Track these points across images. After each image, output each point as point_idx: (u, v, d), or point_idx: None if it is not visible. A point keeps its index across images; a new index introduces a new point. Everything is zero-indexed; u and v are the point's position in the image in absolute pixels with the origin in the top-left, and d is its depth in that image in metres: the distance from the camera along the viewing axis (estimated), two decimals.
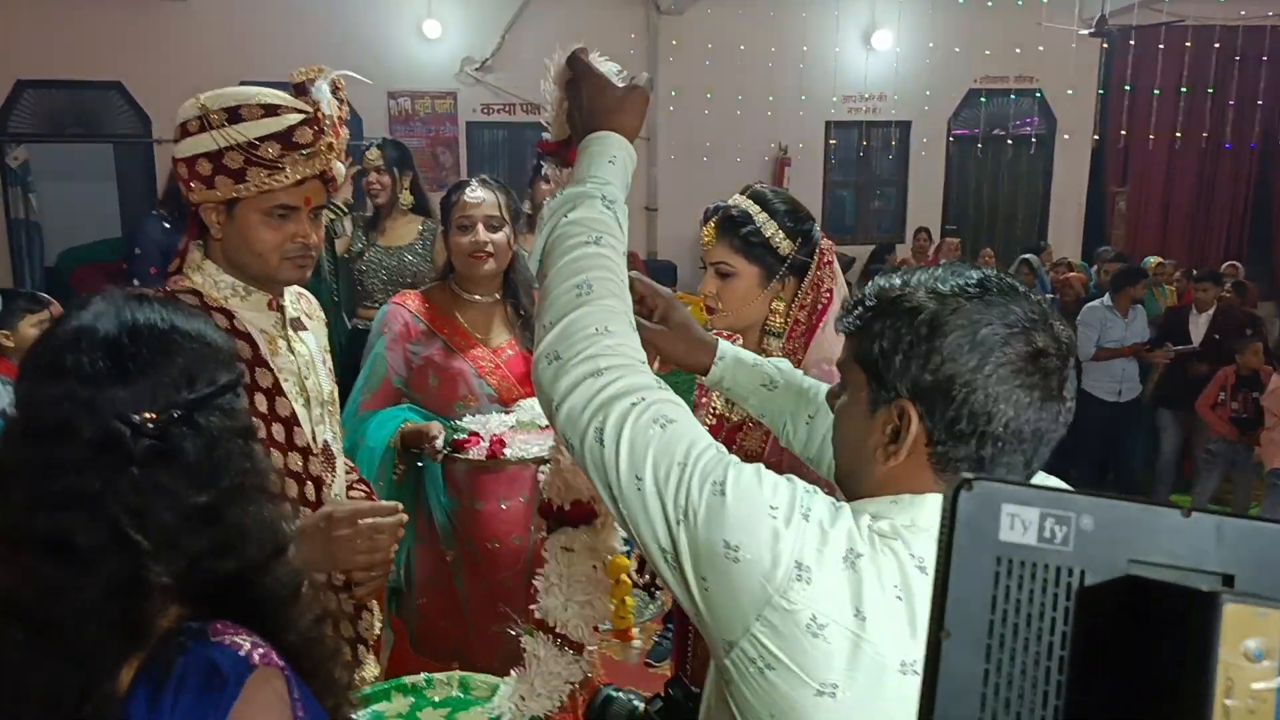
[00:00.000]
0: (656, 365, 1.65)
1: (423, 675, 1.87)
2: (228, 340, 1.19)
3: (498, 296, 2.81)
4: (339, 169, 1.84)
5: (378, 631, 2.00)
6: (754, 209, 2.17)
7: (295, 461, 1.85)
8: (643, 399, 1.19)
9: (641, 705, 1.69)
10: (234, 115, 1.71)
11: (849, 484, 1.24)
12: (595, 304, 1.26)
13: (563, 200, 1.37)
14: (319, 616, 1.20)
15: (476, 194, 2.74)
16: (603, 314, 1.25)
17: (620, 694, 1.70)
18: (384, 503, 1.74)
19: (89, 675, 1.02)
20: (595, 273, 1.28)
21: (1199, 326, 7.26)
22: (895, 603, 1.06)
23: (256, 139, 1.71)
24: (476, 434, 2.45)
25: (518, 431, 2.48)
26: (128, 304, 1.12)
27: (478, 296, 2.79)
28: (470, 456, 2.46)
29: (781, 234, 2.13)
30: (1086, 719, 0.54)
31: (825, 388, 1.53)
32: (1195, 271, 8.48)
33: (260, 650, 1.07)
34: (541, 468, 2.04)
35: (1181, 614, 0.51)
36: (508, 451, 2.34)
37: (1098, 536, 0.55)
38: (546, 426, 2.41)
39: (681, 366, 1.72)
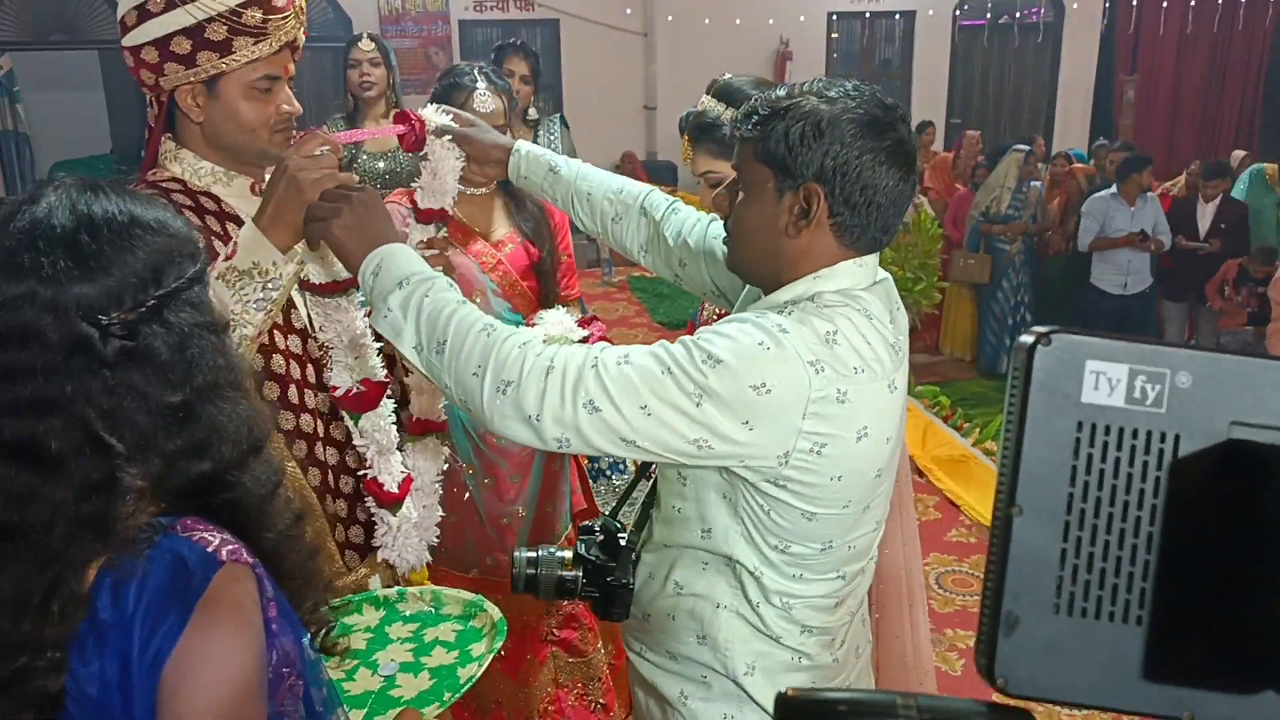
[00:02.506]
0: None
1: (395, 589, 1.83)
2: (189, 227, 1.13)
3: (494, 186, 2.71)
4: (300, 37, 1.77)
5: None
6: (719, 107, 2.10)
7: (295, 344, 1.80)
8: (593, 356, 1.38)
9: (569, 572, 1.67)
10: None
11: (759, 266, 1.51)
12: (503, 334, 1.42)
13: (403, 303, 1.47)
14: (297, 515, 1.17)
15: (487, 103, 2.56)
16: (514, 337, 1.42)
17: (541, 554, 1.68)
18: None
19: (56, 576, 0.99)
20: (483, 318, 1.44)
21: (1206, 215, 7.15)
22: (867, 347, 1.40)
23: (238, 6, 1.63)
24: None
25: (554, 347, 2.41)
26: (82, 194, 1.06)
27: (473, 190, 2.68)
28: None
29: None
30: (1177, 603, 0.47)
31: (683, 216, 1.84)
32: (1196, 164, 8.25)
33: (230, 547, 1.04)
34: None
35: None
36: None
37: (1195, 396, 0.48)
38: (580, 340, 2.34)
39: (487, 161, 1.92)
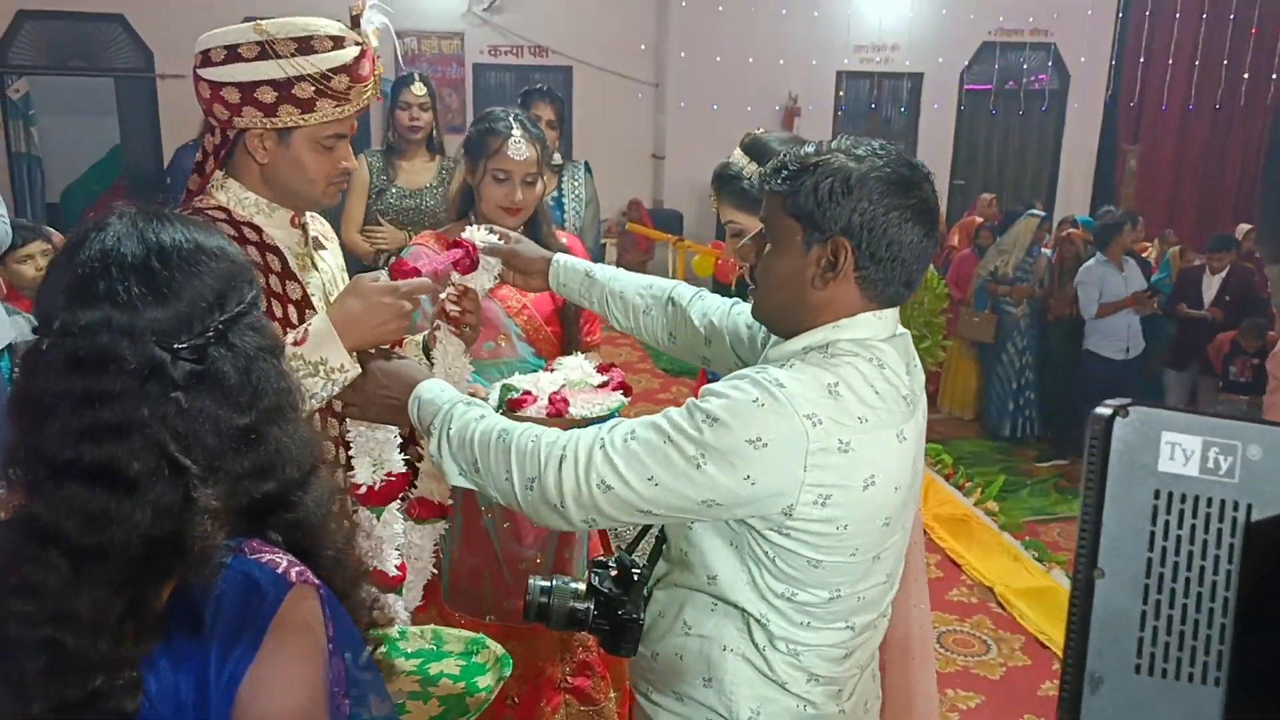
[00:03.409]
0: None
1: (397, 628, 1.84)
2: (243, 253, 1.18)
3: (521, 232, 2.74)
4: (374, 102, 1.87)
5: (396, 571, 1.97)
6: (744, 160, 2.19)
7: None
8: (600, 438, 1.46)
9: (581, 604, 1.69)
10: (304, 46, 1.71)
11: (783, 315, 1.56)
12: (516, 434, 1.51)
13: (437, 445, 1.57)
14: (349, 535, 1.21)
15: (522, 151, 2.58)
16: (526, 433, 1.51)
17: (555, 583, 1.70)
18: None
19: (133, 596, 1.01)
20: (498, 424, 1.54)
21: (1211, 287, 7.21)
22: (875, 397, 1.45)
23: (329, 70, 1.72)
24: (529, 392, 2.38)
25: (574, 392, 2.42)
26: (149, 223, 1.10)
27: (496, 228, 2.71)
28: (530, 415, 2.39)
29: None
30: (1253, 666, 0.50)
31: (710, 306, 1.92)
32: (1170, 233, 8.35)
33: (297, 568, 1.07)
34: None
35: None
36: (573, 410, 2.28)
37: (1266, 467, 0.51)
38: (600, 385, 2.37)
39: (531, 273, 2.04)
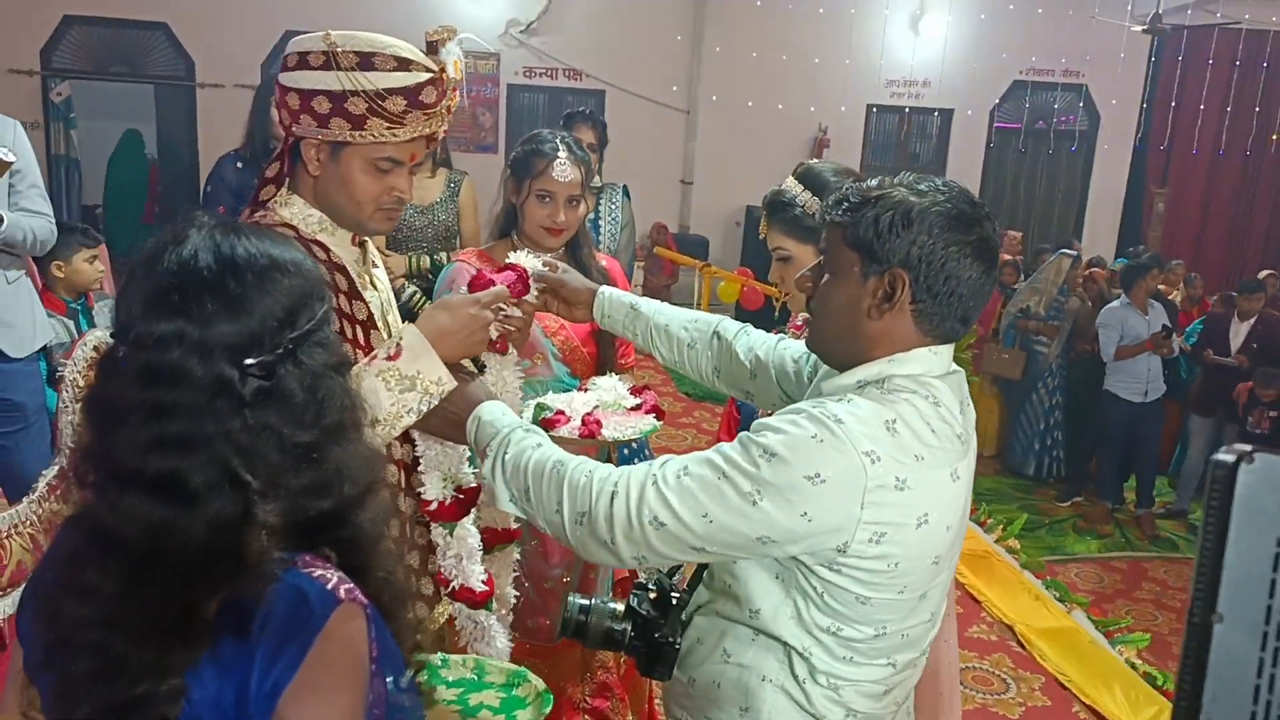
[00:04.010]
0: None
1: (439, 654, 1.84)
2: (319, 268, 1.19)
3: (562, 253, 2.76)
4: (441, 132, 1.81)
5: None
6: (797, 189, 2.20)
7: None
8: (653, 474, 1.45)
9: (619, 625, 1.69)
10: (365, 61, 1.67)
11: (838, 346, 1.56)
12: (571, 466, 1.50)
13: (490, 468, 1.58)
14: (399, 556, 1.21)
15: (566, 173, 2.62)
16: (580, 466, 1.50)
17: (594, 602, 1.70)
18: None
19: (185, 605, 1.03)
20: (553, 455, 1.53)
21: (1239, 335, 7.18)
22: (932, 435, 1.44)
23: (385, 90, 1.68)
24: (563, 412, 2.40)
25: (607, 413, 2.43)
26: (225, 237, 1.11)
27: (542, 255, 2.74)
28: (563, 435, 2.41)
29: None
30: None
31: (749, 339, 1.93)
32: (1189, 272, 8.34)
33: (346, 585, 1.08)
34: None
35: None
36: (606, 432, 2.29)
37: None
38: (633, 408, 2.38)
39: (577, 303, 2.02)
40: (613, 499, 1.45)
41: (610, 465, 1.52)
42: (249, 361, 1.06)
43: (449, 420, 1.67)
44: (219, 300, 1.06)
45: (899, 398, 1.45)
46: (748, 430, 1.47)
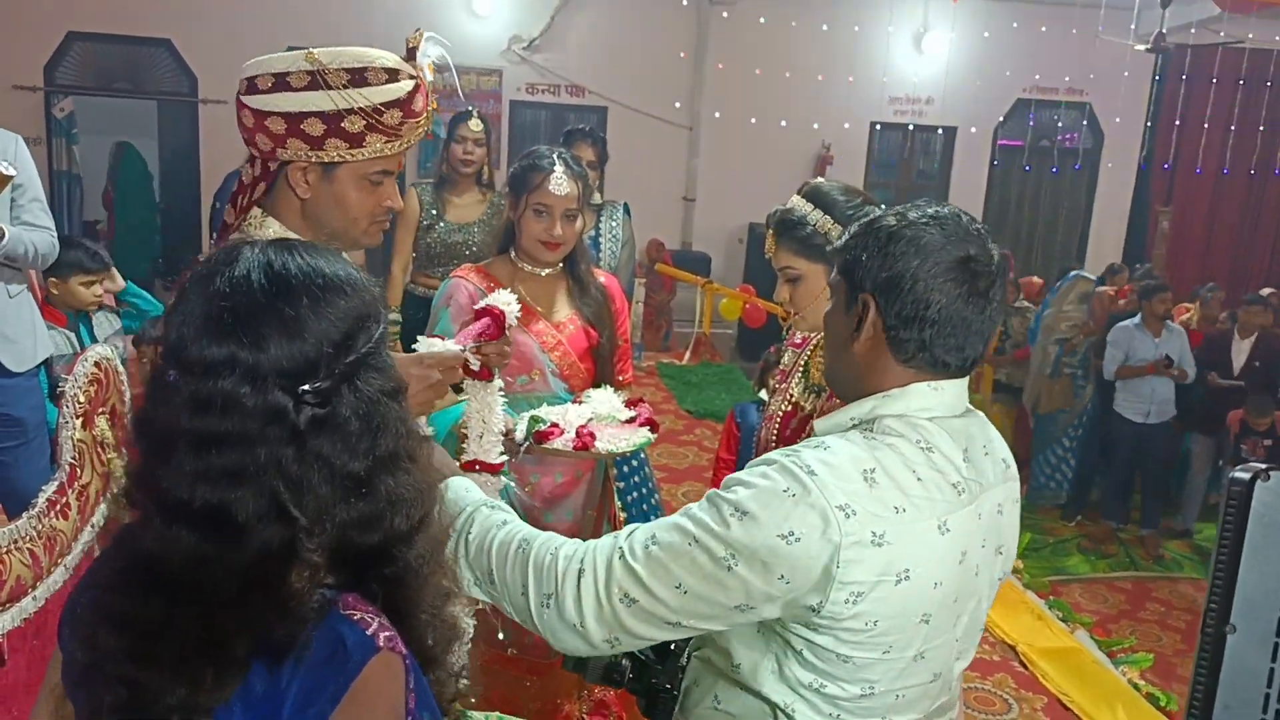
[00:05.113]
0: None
1: (457, 708, 1.83)
2: (375, 286, 1.13)
3: (560, 268, 2.77)
4: (426, 136, 1.80)
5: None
6: (807, 207, 2.19)
7: None
8: (619, 547, 1.37)
9: (619, 663, 1.66)
10: (358, 77, 1.62)
11: (834, 374, 1.52)
12: (536, 544, 1.43)
13: (453, 550, 1.49)
14: (446, 594, 1.16)
15: (562, 187, 2.64)
16: (546, 544, 1.42)
17: None
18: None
19: (219, 641, 0.99)
20: (519, 532, 1.46)
21: (1241, 352, 7.17)
22: (917, 484, 1.34)
23: (382, 104, 1.64)
24: (557, 425, 2.39)
25: (601, 425, 2.42)
26: (278, 256, 1.06)
27: (540, 270, 2.74)
28: (557, 447, 2.39)
29: (838, 227, 2.10)
30: None
31: None
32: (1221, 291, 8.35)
33: (386, 633, 1.03)
34: None
35: None
36: (599, 445, 2.27)
37: None
38: (627, 420, 2.36)
39: None
40: (580, 577, 1.37)
41: (578, 541, 1.44)
42: (304, 388, 1.01)
43: None
44: (272, 324, 1.01)
45: (883, 441, 1.37)
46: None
